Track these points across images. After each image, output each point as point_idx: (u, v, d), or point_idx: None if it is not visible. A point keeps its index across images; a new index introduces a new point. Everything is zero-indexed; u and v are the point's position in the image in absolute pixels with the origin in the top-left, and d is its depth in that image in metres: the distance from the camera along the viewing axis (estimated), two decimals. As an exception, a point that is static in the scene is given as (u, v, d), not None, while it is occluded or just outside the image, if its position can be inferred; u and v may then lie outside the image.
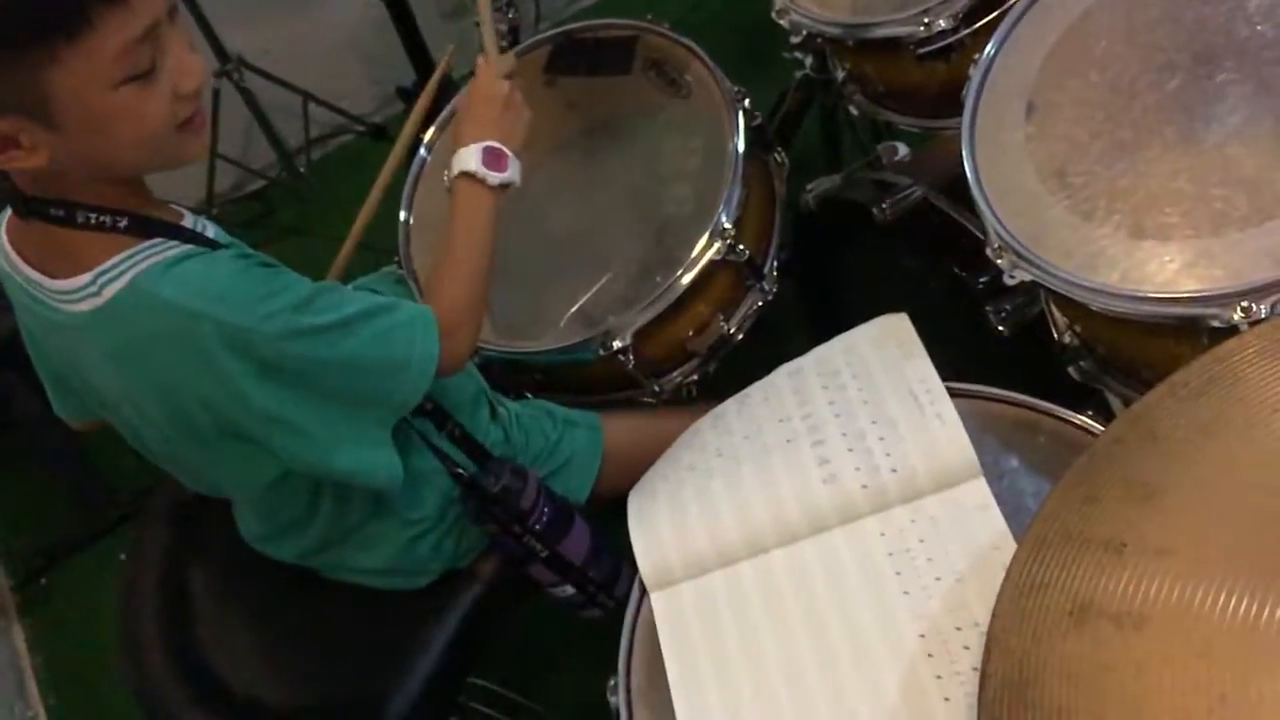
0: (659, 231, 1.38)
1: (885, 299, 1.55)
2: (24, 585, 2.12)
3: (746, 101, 1.36)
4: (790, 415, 1.15)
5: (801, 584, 1.05)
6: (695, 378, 1.42)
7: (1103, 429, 1.03)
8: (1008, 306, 1.27)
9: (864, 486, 1.07)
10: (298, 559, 1.25)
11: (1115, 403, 1.25)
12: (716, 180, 1.33)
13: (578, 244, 1.50)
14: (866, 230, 1.48)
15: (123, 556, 2.07)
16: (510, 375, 1.44)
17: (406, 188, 1.51)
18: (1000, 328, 1.27)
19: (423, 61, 1.95)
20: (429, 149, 1.53)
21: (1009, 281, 1.05)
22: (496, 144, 1.23)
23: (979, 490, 1.05)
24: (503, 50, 1.31)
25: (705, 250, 1.30)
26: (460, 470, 1.19)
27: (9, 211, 1.04)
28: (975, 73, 1.10)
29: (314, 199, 2.51)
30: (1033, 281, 1.05)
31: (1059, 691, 0.78)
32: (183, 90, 0.95)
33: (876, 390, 1.13)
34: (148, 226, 0.99)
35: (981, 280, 1.37)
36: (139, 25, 0.89)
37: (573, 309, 1.44)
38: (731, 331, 1.39)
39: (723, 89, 1.37)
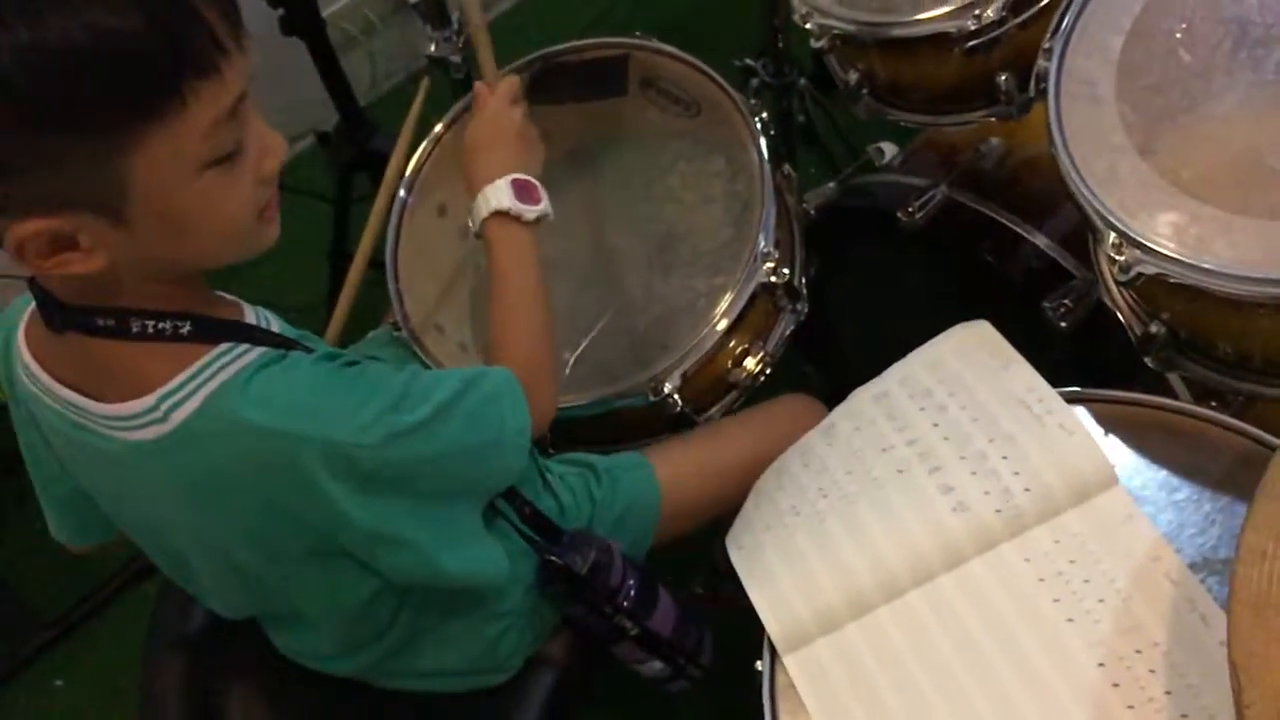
0: (688, 261, 1.28)
1: (908, 307, 1.51)
2: (-54, 730, 1.86)
3: (764, 114, 1.28)
4: (893, 443, 1.08)
5: (951, 623, 0.97)
6: (734, 409, 1.33)
7: (1240, 423, 1.00)
8: (1067, 302, 1.22)
9: (998, 511, 1.00)
10: (356, 672, 1.10)
11: (1179, 386, 1.23)
12: (749, 201, 1.25)
13: (567, 280, 1.39)
14: (882, 237, 1.43)
15: (59, 682, 1.87)
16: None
17: (389, 241, 1.37)
18: (1061, 324, 1.23)
19: (347, 101, 1.80)
20: (409, 189, 1.39)
21: (1119, 278, 1.00)
22: (522, 175, 1.13)
23: (1121, 499, 0.99)
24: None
25: (751, 276, 1.21)
26: (550, 553, 1.07)
27: (22, 318, 0.87)
28: (1050, 61, 1.05)
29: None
30: (1137, 274, 1.01)
31: (1336, 714, 0.72)
32: (265, 172, 0.82)
33: (982, 406, 1.07)
34: (213, 330, 0.85)
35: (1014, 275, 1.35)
36: (229, 99, 0.75)
37: (574, 354, 1.34)
38: (769, 358, 1.31)
39: (737, 103, 1.29)
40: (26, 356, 0.88)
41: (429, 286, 1.36)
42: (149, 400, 0.82)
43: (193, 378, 0.82)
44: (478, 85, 1.21)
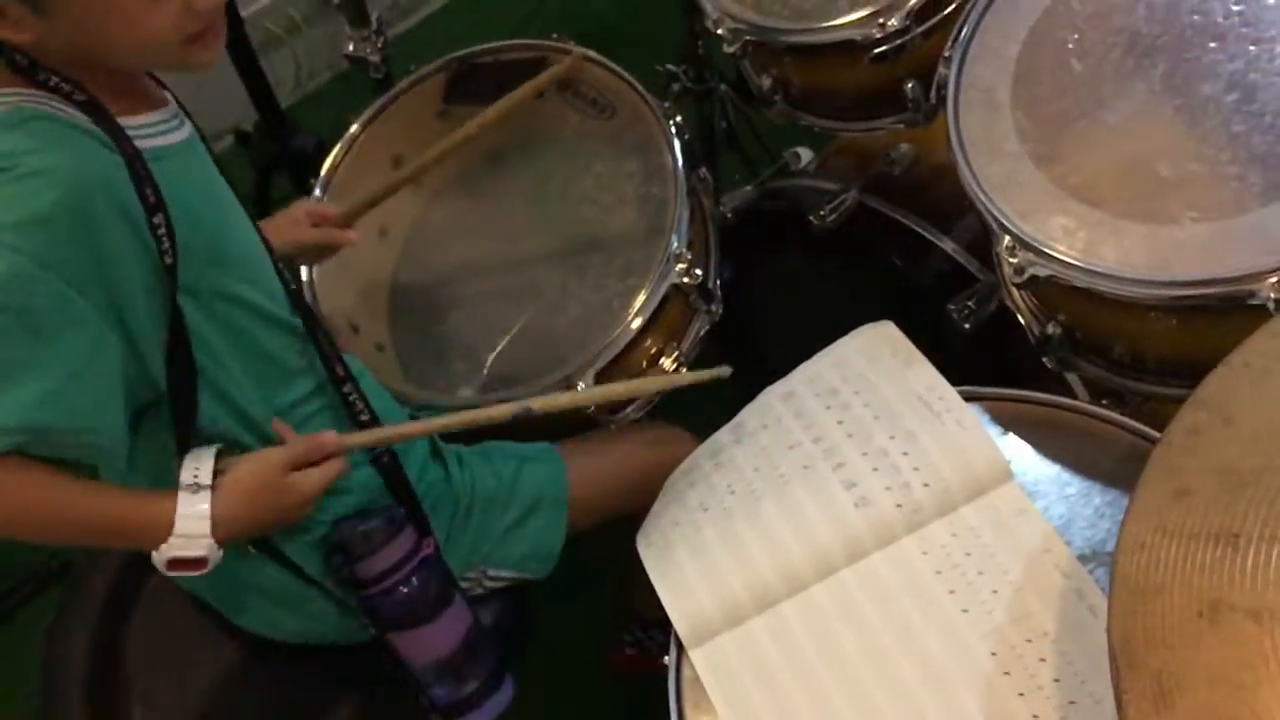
0: (602, 262, 1.30)
1: (820, 308, 1.53)
2: None
3: (679, 118, 1.30)
4: (799, 441, 1.10)
5: (851, 615, 0.99)
6: (648, 409, 1.34)
7: (1129, 420, 1.04)
8: (970, 304, 1.26)
9: (898, 505, 1.03)
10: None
11: (1078, 386, 1.27)
12: (662, 202, 1.26)
13: (487, 281, 1.40)
14: (795, 240, 1.45)
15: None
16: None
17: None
18: (965, 325, 1.26)
19: (267, 101, 1.79)
20: (324, 189, 1.39)
21: (1016, 280, 1.03)
22: (212, 558, 0.96)
23: (1014, 494, 1.02)
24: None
25: (663, 278, 1.23)
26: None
27: None
28: (949, 69, 1.08)
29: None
30: (1030, 275, 1.04)
31: (1208, 697, 0.75)
32: (198, 6, 0.87)
33: (885, 403, 1.09)
34: (95, 111, 0.89)
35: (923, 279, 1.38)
36: None
37: (493, 354, 1.34)
38: (683, 358, 1.32)
39: (652, 106, 1.30)
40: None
41: (345, 286, 1.36)
42: None
43: (24, 92, 0.87)
44: (278, 425, 1.05)
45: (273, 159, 1.83)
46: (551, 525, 1.23)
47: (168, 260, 0.91)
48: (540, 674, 1.21)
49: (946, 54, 1.09)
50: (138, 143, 0.91)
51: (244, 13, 1.74)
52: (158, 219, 0.90)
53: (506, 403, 1.04)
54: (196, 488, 0.96)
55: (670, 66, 1.83)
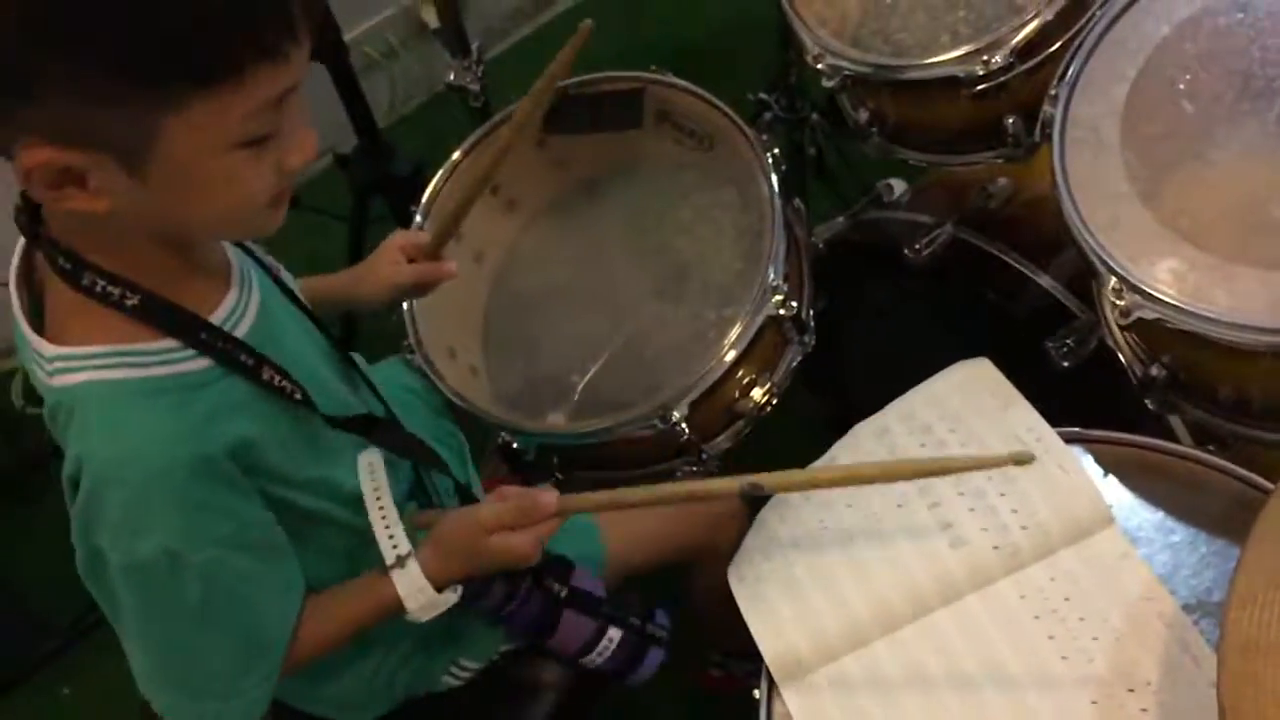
0: (697, 292, 1.30)
1: (912, 342, 1.52)
2: (-48, 737, 1.88)
3: (776, 150, 1.30)
4: (893, 478, 1.10)
5: (946, 657, 0.98)
6: (740, 439, 1.34)
7: (1237, 467, 1.02)
8: (1069, 342, 1.24)
9: (995, 547, 1.02)
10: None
11: (1180, 429, 1.25)
12: (759, 233, 1.27)
13: (579, 308, 1.42)
14: (888, 272, 1.44)
15: (66, 690, 1.88)
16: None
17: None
18: (1064, 363, 1.24)
19: (367, 125, 1.82)
20: (424, 216, 1.41)
21: (1120, 322, 1.01)
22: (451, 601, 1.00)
23: (1116, 539, 1.01)
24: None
25: (759, 309, 1.23)
26: None
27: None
28: (1055, 108, 1.07)
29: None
30: (1136, 318, 1.02)
31: (1324, 758, 0.74)
32: (290, 165, 0.81)
33: (982, 443, 1.08)
34: (158, 315, 0.84)
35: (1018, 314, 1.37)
36: (282, 87, 0.76)
37: (584, 380, 1.36)
38: (775, 389, 1.33)
39: (749, 137, 1.31)
40: (12, 273, 0.89)
41: (443, 311, 1.38)
42: (49, 350, 0.83)
43: (93, 355, 0.82)
44: (509, 492, 1.03)
45: (371, 182, 1.86)
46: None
47: (297, 397, 0.91)
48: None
49: (1053, 91, 1.08)
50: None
51: (345, 37, 1.77)
52: (283, 382, 0.90)
53: (732, 477, 0.98)
54: (401, 561, 0.98)
55: (763, 95, 1.83)
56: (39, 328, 0.86)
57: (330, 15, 1.65)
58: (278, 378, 0.90)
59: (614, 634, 1.10)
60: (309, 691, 1.12)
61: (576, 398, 1.36)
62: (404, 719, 1.16)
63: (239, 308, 0.91)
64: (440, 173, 1.41)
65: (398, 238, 1.22)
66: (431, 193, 1.40)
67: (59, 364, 0.83)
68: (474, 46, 1.53)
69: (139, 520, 0.83)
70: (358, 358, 1.14)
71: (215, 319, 0.88)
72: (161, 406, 0.84)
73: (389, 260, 1.20)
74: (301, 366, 0.94)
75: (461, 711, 1.17)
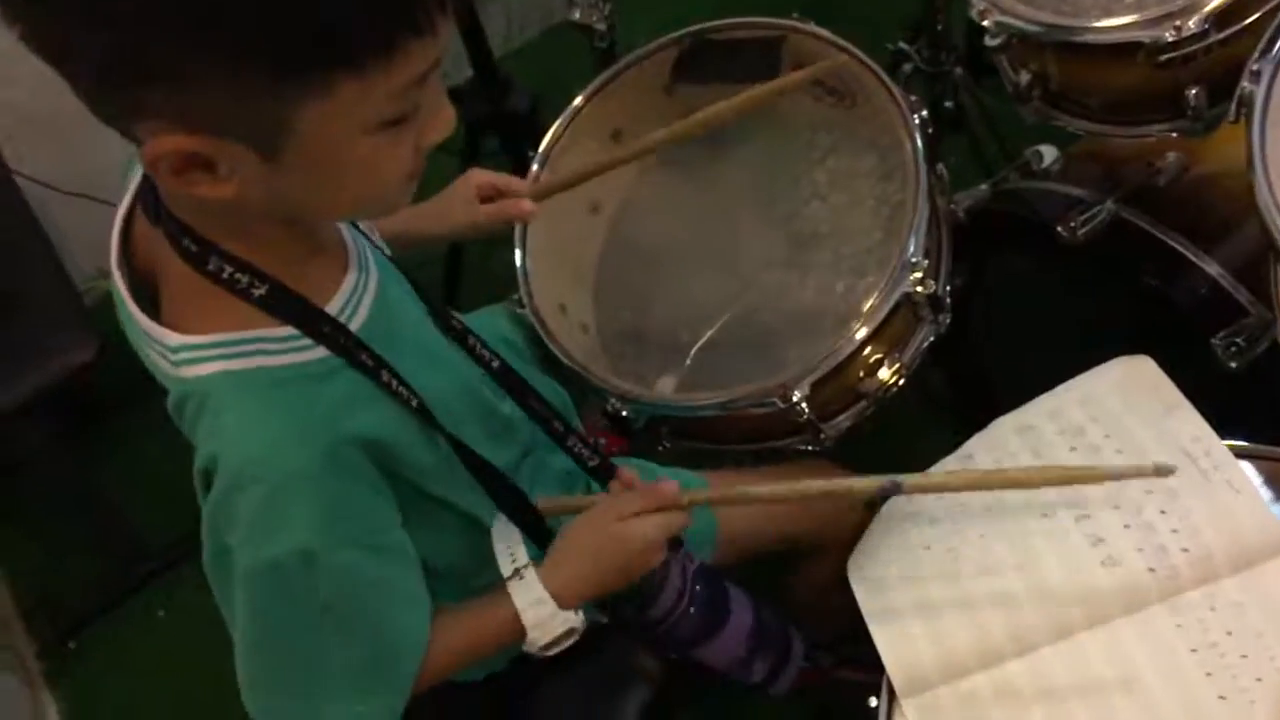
0: (828, 262, 1.22)
1: (1059, 330, 1.42)
2: (50, 652, 1.90)
3: (924, 111, 1.20)
4: (1038, 483, 1.01)
5: (1088, 685, 0.90)
6: (863, 419, 1.26)
7: None
8: (1239, 340, 1.13)
9: (1151, 569, 0.93)
10: None
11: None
12: (900, 203, 1.17)
13: (697, 268, 1.34)
14: (1035, 249, 1.34)
15: (161, 613, 1.90)
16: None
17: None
18: (1232, 364, 1.13)
19: (484, 58, 1.75)
20: (542, 164, 1.34)
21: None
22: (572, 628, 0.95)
23: (1289, 571, 0.92)
24: None
25: (895, 286, 1.14)
26: None
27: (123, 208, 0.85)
28: (1257, 85, 0.95)
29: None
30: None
31: None
32: (428, 142, 0.77)
33: (1142, 452, 0.99)
34: (284, 306, 0.80)
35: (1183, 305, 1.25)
36: (429, 63, 0.71)
37: (696, 345, 1.28)
38: (904, 370, 1.24)
39: (896, 97, 1.21)
40: (114, 249, 0.85)
41: (556, 265, 1.31)
42: (173, 340, 0.79)
43: (221, 344, 0.79)
44: (624, 474, 1.04)
45: (485, 118, 1.79)
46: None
47: (414, 404, 0.86)
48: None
49: (1255, 66, 0.96)
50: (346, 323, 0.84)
51: (460, -34, 1.70)
52: (400, 388, 0.85)
53: (871, 477, 0.95)
54: (518, 574, 0.94)
55: (903, 45, 1.71)
56: (151, 315, 0.82)
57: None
58: (395, 383, 0.85)
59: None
60: None
61: (689, 362, 1.29)
62: (497, 685, 1.12)
63: (357, 291, 0.87)
64: (560, 120, 1.34)
65: (474, 175, 1.17)
66: (551, 140, 1.33)
67: (186, 354, 0.79)
68: (602, -22, 1.44)
69: (276, 519, 0.80)
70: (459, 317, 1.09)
71: (333, 306, 0.84)
72: (292, 398, 0.80)
73: (464, 198, 1.16)
74: (417, 347, 0.90)
75: (556, 689, 1.12)
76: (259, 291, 0.79)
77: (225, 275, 0.79)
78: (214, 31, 0.65)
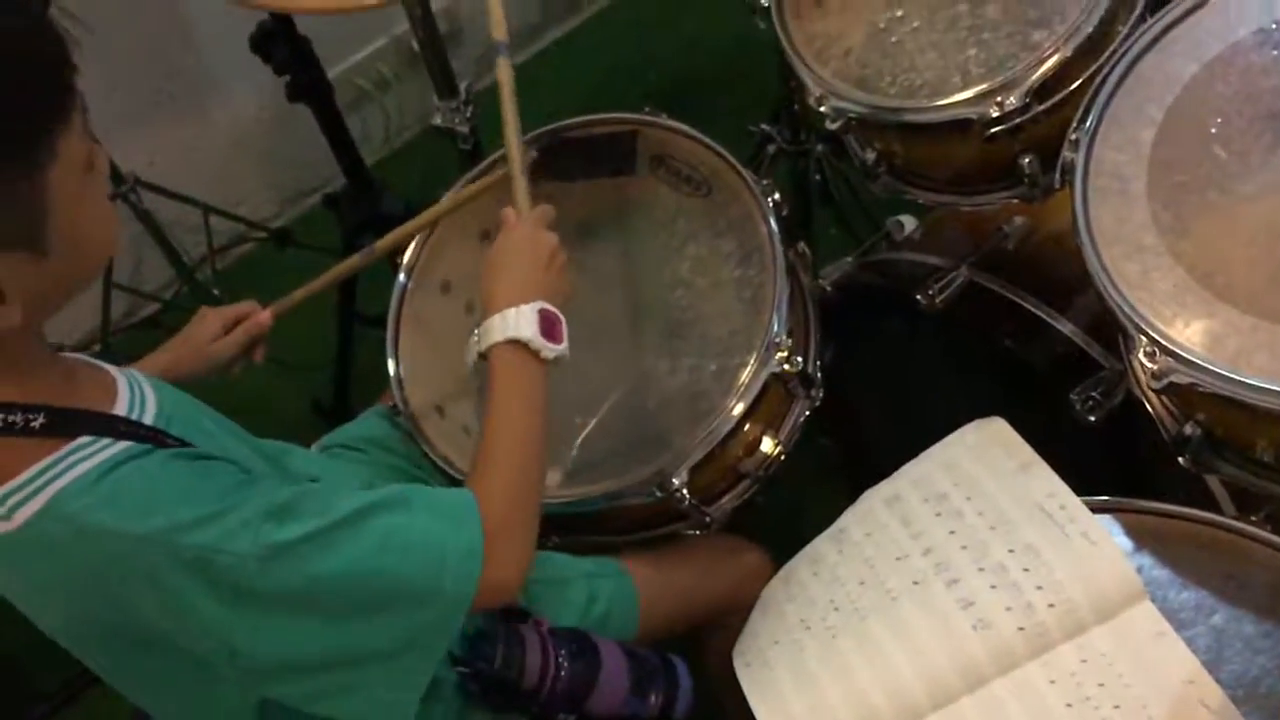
0: (697, 348, 1.23)
1: (927, 391, 1.45)
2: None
3: (777, 194, 1.23)
4: (908, 552, 1.02)
5: (971, 752, 0.92)
6: (746, 499, 1.27)
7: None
8: (1095, 394, 1.17)
9: (1020, 628, 0.94)
10: None
11: (1218, 489, 1.17)
12: (760, 285, 1.20)
13: (573, 360, 1.34)
14: (899, 317, 1.38)
15: (54, 759, 1.82)
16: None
17: (389, 328, 1.32)
18: (1090, 417, 1.17)
19: (355, 165, 1.76)
20: (409, 273, 1.35)
21: (1153, 385, 0.94)
22: (550, 307, 1.03)
23: (1151, 615, 0.93)
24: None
25: (763, 366, 1.16)
26: (460, 662, 1.00)
27: None
28: (1076, 154, 1.00)
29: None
30: (1169, 382, 0.95)
31: None
32: (104, 173, 0.81)
33: (1001, 512, 1.01)
34: (70, 423, 0.79)
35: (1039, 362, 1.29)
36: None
37: (579, 437, 1.28)
38: (783, 447, 1.25)
39: (748, 182, 1.24)
40: None
41: (431, 367, 1.31)
42: None
43: (40, 474, 0.77)
44: (507, 210, 1.12)
45: (360, 222, 1.80)
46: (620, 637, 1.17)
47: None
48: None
49: (1073, 135, 1.01)
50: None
51: (332, 71, 1.71)
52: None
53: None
54: (477, 340, 1.02)
55: (764, 126, 1.77)
56: None
57: (313, 57, 1.59)
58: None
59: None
60: None
61: (574, 453, 1.29)
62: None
63: (136, 398, 0.86)
64: (419, 237, 1.35)
65: (207, 315, 1.22)
66: (413, 252, 1.34)
67: (11, 500, 0.77)
68: (462, 86, 1.46)
69: (269, 517, 0.80)
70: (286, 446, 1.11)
71: (119, 410, 0.83)
72: (142, 463, 0.80)
73: (208, 338, 1.20)
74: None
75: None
76: (36, 422, 0.78)
77: (2, 422, 0.77)
78: None
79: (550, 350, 1.01)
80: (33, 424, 0.78)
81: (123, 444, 0.80)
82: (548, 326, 1.01)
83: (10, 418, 0.77)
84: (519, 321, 1.00)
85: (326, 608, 0.83)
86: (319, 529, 0.81)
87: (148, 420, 0.84)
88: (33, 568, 0.80)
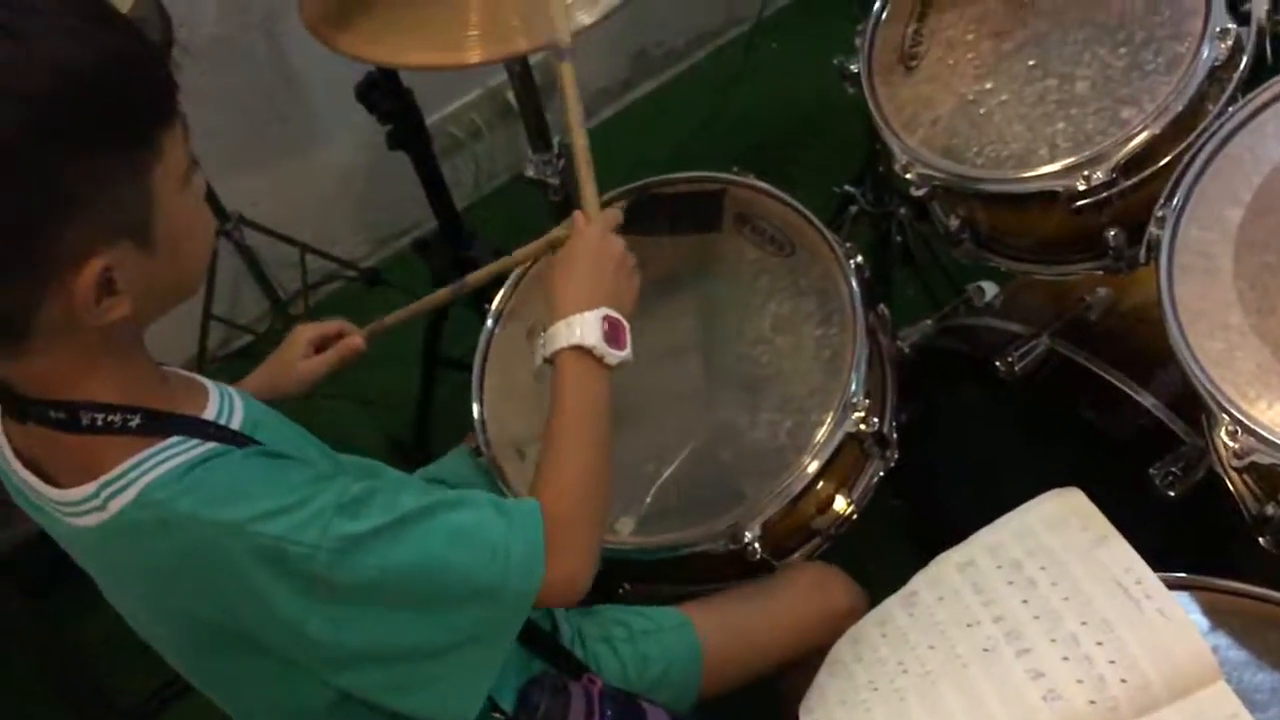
0: (775, 404, 1.25)
1: (1004, 459, 1.45)
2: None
3: (859, 257, 1.25)
4: (978, 619, 1.02)
5: (1035, 825, 0.91)
6: (815, 556, 1.28)
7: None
8: (1175, 469, 1.16)
9: (1091, 702, 0.94)
10: None
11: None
12: (840, 346, 1.22)
13: (651, 409, 1.37)
14: (978, 383, 1.38)
15: (128, 774, 1.87)
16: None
17: (474, 370, 1.36)
18: (1170, 492, 1.16)
19: (448, 211, 1.82)
20: (496, 319, 1.39)
21: (1234, 463, 0.94)
22: (615, 313, 1.06)
23: (1226, 697, 0.92)
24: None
25: (839, 426, 1.18)
26: (501, 712, 1.02)
27: None
28: (1163, 230, 1.00)
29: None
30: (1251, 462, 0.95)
31: None
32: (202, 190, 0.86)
33: (1076, 584, 1.01)
34: (165, 424, 0.84)
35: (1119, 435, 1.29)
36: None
37: (655, 485, 1.31)
38: (856, 506, 1.26)
39: (830, 243, 1.27)
40: (1, 437, 0.89)
41: (513, 411, 1.35)
42: (90, 487, 0.82)
43: (134, 467, 0.82)
44: (576, 214, 1.16)
45: (449, 267, 1.85)
46: (682, 692, 1.19)
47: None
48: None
49: (1159, 213, 1.02)
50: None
51: (429, 119, 1.77)
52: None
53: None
54: (543, 345, 1.06)
55: (848, 188, 1.79)
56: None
57: (415, 107, 1.65)
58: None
59: None
60: None
61: (649, 500, 1.31)
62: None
63: (225, 407, 0.91)
64: (513, 275, 1.39)
65: (300, 333, 1.26)
66: (505, 294, 1.38)
67: (108, 491, 0.82)
68: (555, 141, 1.51)
69: (341, 510, 0.83)
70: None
71: (208, 415, 0.88)
72: (225, 459, 0.84)
73: (298, 356, 1.24)
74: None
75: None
76: (134, 422, 0.83)
77: (100, 422, 0.82)
78: (77, 138, 0.73)
79: (614, 357, 1.05)
80: (130, 423, 0.83)
81: (210, 444, 0.84)
82: (612, 333, 1.05)
83: (110, 417, 0.82)
84: (583, 328, 1.03)
85: (395, 599, 0.86)
86: (388, 523, 0.85)
87: (234, 425, 0.89)
88: (123, 556, 0.85)
